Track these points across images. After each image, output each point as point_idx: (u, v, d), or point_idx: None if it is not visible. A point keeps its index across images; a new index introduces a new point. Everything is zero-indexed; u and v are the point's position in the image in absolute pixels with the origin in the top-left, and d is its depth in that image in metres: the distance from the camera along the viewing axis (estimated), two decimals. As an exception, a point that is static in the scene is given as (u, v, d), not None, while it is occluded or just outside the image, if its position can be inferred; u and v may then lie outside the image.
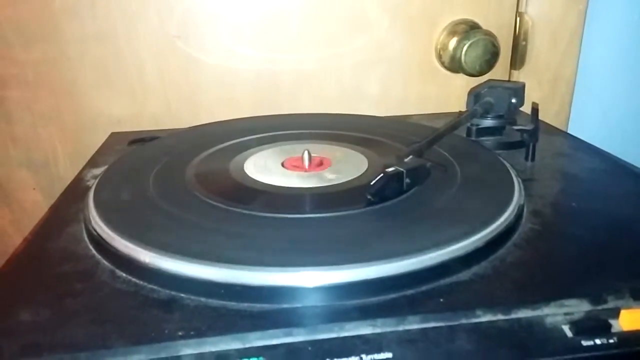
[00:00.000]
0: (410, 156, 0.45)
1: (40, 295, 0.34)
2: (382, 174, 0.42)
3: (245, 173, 0.48)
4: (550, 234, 0.40)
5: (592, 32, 0.74)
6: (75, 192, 0.50)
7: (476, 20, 0.71)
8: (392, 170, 0.42)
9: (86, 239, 0.41)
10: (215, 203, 0.43)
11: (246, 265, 0.34)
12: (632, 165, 0.52)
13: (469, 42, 0.67)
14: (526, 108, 0.60)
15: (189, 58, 0.69)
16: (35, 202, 0.72)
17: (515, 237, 0.39)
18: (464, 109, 0.67)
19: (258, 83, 0.72)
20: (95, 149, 0.63)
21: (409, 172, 0.42)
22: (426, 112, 0.73)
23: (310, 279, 0.33)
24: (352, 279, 0.33)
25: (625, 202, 0.45)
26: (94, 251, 0.39)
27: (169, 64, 0.69)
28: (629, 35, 0.76)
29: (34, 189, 0.72)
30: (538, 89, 0.74)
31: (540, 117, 0.56)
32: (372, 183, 0.42)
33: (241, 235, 0.38)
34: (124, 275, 0.36)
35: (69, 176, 0.70)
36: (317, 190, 0.45)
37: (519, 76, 0.75)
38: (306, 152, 0.49)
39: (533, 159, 0.53)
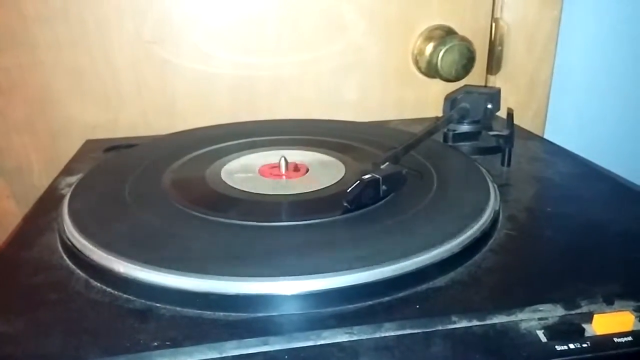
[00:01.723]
0: (387, 163, 0.45)
1: (14, 306, 0.34)
2: (358, 181, 0.42)
3: (221, 180, 0.48)
4: (525, 239, 0.41)
5: (567, 37, 0.75)
6: (49, 201, 0.50)
7: (452, 25, 0.72)
8: (369, 178, 0.42)
9: (60, 249, 0.41)
10: (191, 212, 0.42)
11: (222, 275, 0.34)
12: (606, 169, 0.53)
13: (445, 48, 0.67)
14: (502, 113, 0.61)
15: (164, 64, 0.69)
16: (9, 211, 0.71)
17: (491, 243, 0.40)
18: (441, 114, 0.67)
19: (235, 88, 0.71)
20: (70, 157, 0.62)
21: (385, 179, 0.43)
22: (404, 117, 0.73)
23: (286, 287, 0.33)
24: (328, 286, 0.33)
25: (599, 206, 0.46)
26: (68, 261, 0.39)
27: (144, 70, 0.69)
28: (602, 40, 0.78)
29: (7, 197, 0.71)
30: (514, 93, 0.74)
31: (516, 122, 0.57)
32: (348, 190, 0.42)
33: (217, 244, 0.38)
34: (98, 285, 0.36)
35: (43, 184, 0.69)
36: (294, 198, 0.45)
37: (495, 81, 0.75)
38: (283, 159, 0.49)
39: (509, 164, 0.54)
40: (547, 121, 0.77)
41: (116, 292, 0.35)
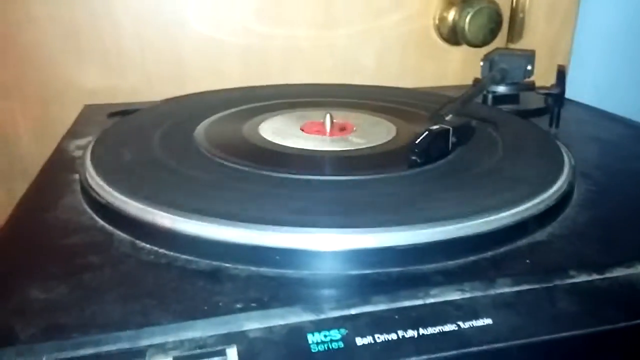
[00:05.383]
0: (450, 115, 0.41)
1: (51, 270, 0.29)
2: (426, 132, 0.38)
3: (263, 137, 0.43)
4: (610, 194, 0.38)
5: (587, 5, 0.73)
6: (59, 163, 0.44)
7: (474, -10, 0.68)
8: (438, 128, 0.38)
9: (89, 209, 0.35)
10: (242, 167, 0.37)
11: (305, 228, 0.29)
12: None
13: (472, 11, 0.64)
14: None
15: (172, 24, 0.63)
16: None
17: (576, 198, 0.37)
18: (461, 82, 0.64)
19: (248, 54, 0.66)
20: (64, 125, 0.55)
21: (455, 131, 0.39)
22: (423, 85, 0.70)
23: (381, 239, 0.29)
24: (428, 239, 0.29)
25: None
26: (102, 222, 0.34)
27: (149, 29, 0.63)
28: (622, 10, 0.76)
29: (-9, 169, 0.64)
30: (535, 62, 0.72)
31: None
32: (416, 142, 0.38)
33: (291, 198, 0.33)
34: (148, 246, 0.31)
35: (32, 153, 0.63)
36: (359, 153, 0.41)
37: (513, 51, 0.72)
38: (328, 116, 0.44)
39: (557, 125, 0.51)
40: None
41: (172, 253, 0.30)
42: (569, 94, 0.74)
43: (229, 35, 0.65)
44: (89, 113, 0.58)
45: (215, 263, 0.29)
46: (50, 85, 0.62)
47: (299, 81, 0.67)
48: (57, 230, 0.33)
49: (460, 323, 0.26)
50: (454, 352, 0.25)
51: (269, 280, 0.28)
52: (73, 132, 0.51)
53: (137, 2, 0.62)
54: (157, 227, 0.31)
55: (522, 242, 0.31)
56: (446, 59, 0.71)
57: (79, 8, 0.60)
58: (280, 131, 0.44)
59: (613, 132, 0.51)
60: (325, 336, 0.25)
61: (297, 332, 0.25)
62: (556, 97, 0.50)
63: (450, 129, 0.38)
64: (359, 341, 0.25)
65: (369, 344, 0.25)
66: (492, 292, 0.28)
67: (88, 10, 0.61)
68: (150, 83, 0.64)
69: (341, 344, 0.24)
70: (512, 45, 0.72)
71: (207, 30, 0.64)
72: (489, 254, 0.30)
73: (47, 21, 0.60)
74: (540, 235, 0.32)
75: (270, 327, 0.25)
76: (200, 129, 0.45)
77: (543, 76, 0.71)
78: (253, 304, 0.26)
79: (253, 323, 0.25)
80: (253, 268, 0.28)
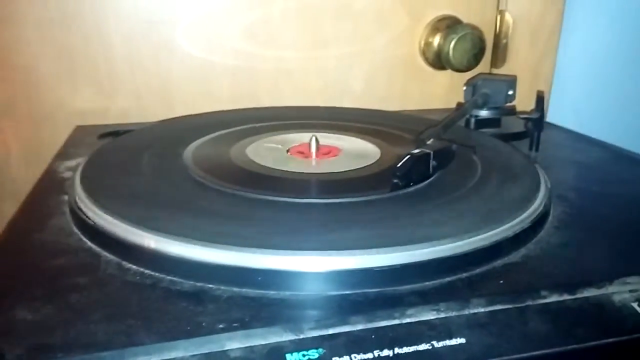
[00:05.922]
0: (431, 139, 0.42)
1: (37, 291, 0.29)
2: (408, 156, 0.39)
3: (250, 160, 0.44)
4: (585, 216, 0.39)
5: (569, 32, 0.75)
6: (49, 185, 0.44)
7: (459, 16, 0.70)
8: (419, 152, 0.39)
9: (77, 230, 0.36)
10: (230, 190, 0.38)
11: (288, 250, 0.30)
12: (634, 152, 0.52)
13: (457, 37, 0.66)
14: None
15: (162, 46, 0.64)
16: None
17: (551, 220, 0.38)
18: (445, 105, 0.66)
19: (237, 75, 0.67)
20: (55, 146, 0.56)
21: (436, 154, 0.40)
22: (408, 108, 0.71)
23: (360, 261, 0.30)
24: (405, 261, 0.30)
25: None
26: (89, 243, 0.34)
27: (140, 51, 0.64)
28: (602, 37, 0.78)
29: (-19, 190, 0.64)
30: (517, 86, 0.73)
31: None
32: (398, 165, 0.39)
33: (273, 220, 0.34)
34: (134, 267, 0.31)
35: (23, 175, 0.63)
36: (342, 176, 0.42)
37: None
38: (313, 138, 0.46)
39: (537, 149, 0.52)
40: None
41: (157, 274, 0.31)
42: (550, 117, 0.76)
43: (218, 56, 0.66)
44: (79, 134, 0.58)
45: (198, 284, 0.30)
46: (41, 107, 0.63)
47: (288, 102, 0.68)
48: (45, 251, 0.33)
49: (435, 342, 0.27)
50: (428, 370, 0.26)
51: (251, 301, 0.28)
52: (63, 154, 0.52)
53: (128, 24, 0.63)
54: (143, 248, 0.32)
55: (497, 263, 0.32)
56: (431, 82, 0.73)
57: (71, 31, 0.61)
58: (266, 154, 0.45)
59: (591, 155, 0.52)
60: (303, 355, 0.26)
61: (276, 352, 0.26)
62: (535, 121, 0.52)
63: (431, 152, 0.40)
64: (336, 360, 0.26)
65: (346, 363, 0.26)
66: (466, 312, 0.28)
67: (80, 33, 0.62)
68: (140, 104, 0.65)
69: (319, 363, 0.25)
70: (495, 70, 0.74)
71: (196, 52, 0.66)
72: (464, 275, 0.31)
73: (40, 44, 0.61)
74: (514, 256, 0.33)
75: (251, 347, 0.26)
76: (189, 152, 0.46)
77: (526, 100, 0.72)
78: (235, 324, 0.27)
79: (234, 343, 0.26)
80: (235, 289, 0.29)
